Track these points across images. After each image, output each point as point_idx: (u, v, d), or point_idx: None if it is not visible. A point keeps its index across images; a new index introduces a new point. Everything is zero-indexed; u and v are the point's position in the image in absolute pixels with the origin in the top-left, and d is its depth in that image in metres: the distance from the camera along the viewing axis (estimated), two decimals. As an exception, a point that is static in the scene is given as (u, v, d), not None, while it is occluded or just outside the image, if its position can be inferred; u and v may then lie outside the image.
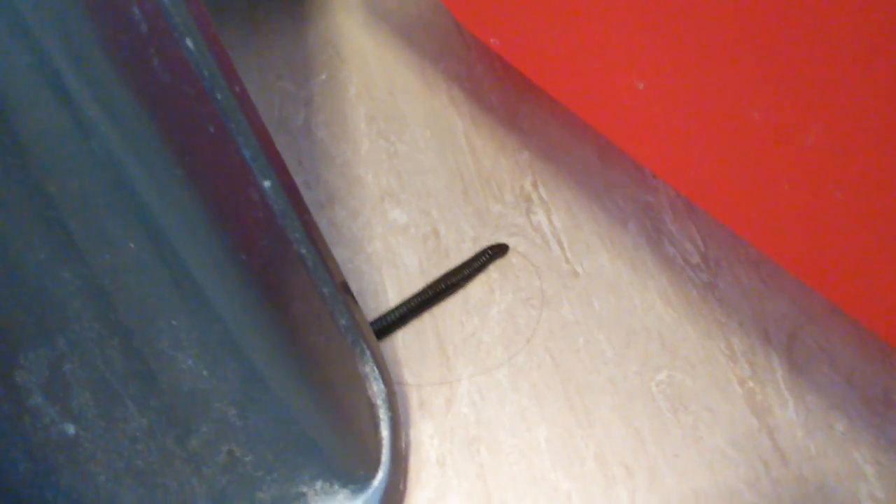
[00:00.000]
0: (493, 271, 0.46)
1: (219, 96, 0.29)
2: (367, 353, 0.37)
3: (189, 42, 0.28)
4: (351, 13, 0.66)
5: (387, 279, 0.47)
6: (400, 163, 0.53)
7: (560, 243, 0.46)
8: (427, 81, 0.59)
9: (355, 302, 0.38)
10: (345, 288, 0.37)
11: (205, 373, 0.32)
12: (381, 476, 0.36)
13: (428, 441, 0.39)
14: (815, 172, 0.32)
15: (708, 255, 0.44)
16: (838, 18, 0.27)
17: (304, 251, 0.34)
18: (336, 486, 0.35)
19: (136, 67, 0.26)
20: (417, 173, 0.52)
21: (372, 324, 0.43)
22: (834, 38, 0.28)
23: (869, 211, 0.32)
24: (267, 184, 0.32)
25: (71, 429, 0.29)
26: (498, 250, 0.46)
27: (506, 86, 0.57)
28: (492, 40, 0.52)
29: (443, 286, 0.44)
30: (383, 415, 0.38)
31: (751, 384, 0.39)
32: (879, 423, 0.36)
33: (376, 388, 0.38)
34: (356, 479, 0.36)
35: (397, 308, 0.44)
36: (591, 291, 0.44)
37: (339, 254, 0.48)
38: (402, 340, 0.44)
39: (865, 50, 0.27)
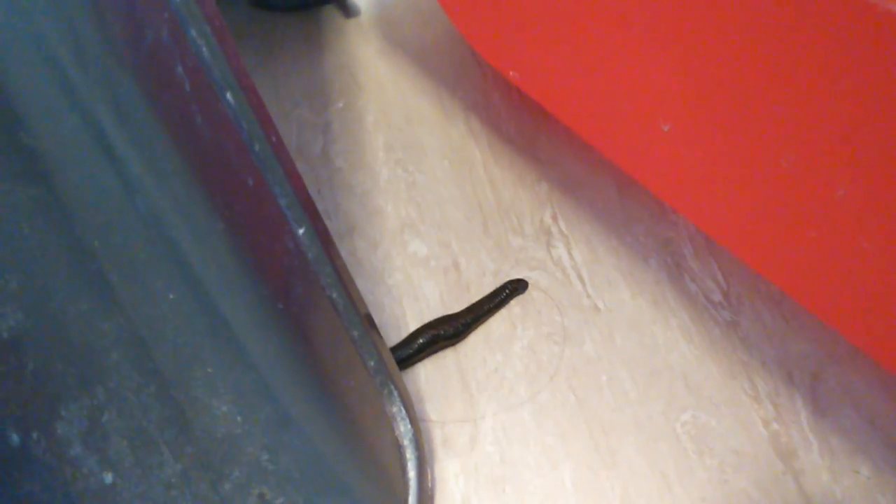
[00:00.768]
0: (515, 306, 0.46)
1: (257, 148, 0.29)
2: (395, 393, 0.37)
3: (229, 96, 0.28)
4: (367, 40, 0.66)
5: (408, 312, 0.47)
6: (419, 193, 0.54)
7: (581, 278, 0.47)
8: (444, 110, 0.59)
9: (382, 340, 0.38)
10: (371, 324, 0.37)
11: (238, 418, 0.32)
12: (408, 517, 0.36)
13: (453, 479, 0.39)
14: (844, 223, 0.33)
15: (730, 292, 0.44)
16: (870, 77, 0.28)
17: (335, 295, 0.34)
18: (365, 528, 0.35)
19: (180, 125, 0.27)
20: (437, 204, 0.53)
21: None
22: (866, 97, 0.28)
23: (894, 260, 0.32)
24: (301, 231, 0.32)
25: (109, 478, 0.29)
26: (517, 286, 0.46)
27: (523, 115, 0.57)
28: (511, 73, 0.52)
29: (463, 322, 0.45)
30: (410, 455, 0.38)
31: (775, 426, 0.39)
32: (904, 467, 0.37)
33: (403, 429, 0.38)
34: (384, 520, 0.36)
35: (414, 339, 0.44)
36: (613, 327, 0.44)
37: (360, 286, 0.48)
38: (425, 376, 0.44)
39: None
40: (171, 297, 0.28)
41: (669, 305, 0.44)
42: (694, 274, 0.46)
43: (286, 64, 0.65)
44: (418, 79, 0.62)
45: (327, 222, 0.53)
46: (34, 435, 0.27)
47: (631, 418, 0.40)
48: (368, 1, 0.71)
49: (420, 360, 0.44)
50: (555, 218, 0.50)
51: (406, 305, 0.47)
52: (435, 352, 0.44)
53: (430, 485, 0.39)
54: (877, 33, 0.26)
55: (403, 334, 0.45)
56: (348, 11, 0.69)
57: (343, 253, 0.50)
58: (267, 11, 0.71)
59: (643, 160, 0.45)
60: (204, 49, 0.28)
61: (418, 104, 0.60)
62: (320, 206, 0.53)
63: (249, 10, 0.71)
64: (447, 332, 0.44)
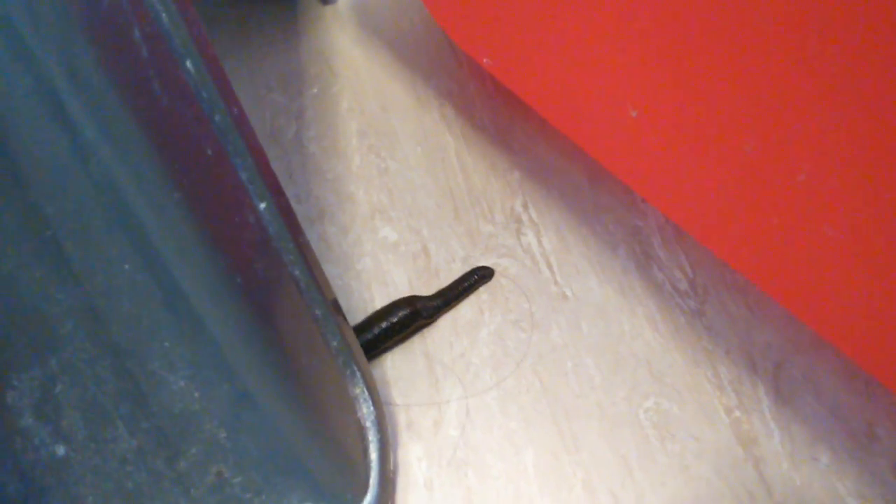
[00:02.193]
0: (483, 293, 0.46)
1: (217, 118, 0.29)
2: (358, 374, 0.37)
3: (189, 64, 0.28)
4: (343, 27, 0.66)
5: (376, 297, 0.47)
6: (391, 180, 0.53)
7: (549, 266, 0.47)
8: (419, 98, 0.59)
9: (346, 322, 0.38)
10: (336, 307, 0.37)
11: (196, 394, 0.32)
12: (368, 499, 0.36)
13: (416, 463, 0.39)
14: (805, 208, 0.33)
15: (696, 281, 0.44)
16: (834, 65, 0.28)
17: (297, 273, 0.34)
18: (324, 509, 0.35)
19: (137, 90, 0.26)
20: (408, 191, 0.52)
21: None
22: (826, 85, 0.28)
23: (856, 247, 0.33)
24: (262, 205, 0.32)
25: (61, 450, 0.29)
26: (484, 273, 0.46)
27: (497, 104, 0.57)
28: (484, 60, 0.52)
29: (434, 306, 0.44)
30: (372, 437, 0.38)
31: (737, 413, 0.39)
32: (863, 456, 0.37)
33: (366, 411, 0.38)
34: (344, 501, 0.36)
35: (382, 317, 0.44)
36: (579, 315, 0.44)
37: (329, 270, 0.48)
38: (391, 360, 0.44)
39: (862, 98, 0.27)
40: (127, 267, 0.28)
41: (636, 294, 0.45)
42: (661, 263, 0.46)
43: (262, 49, 0.65)
44: (393, 66, 0.62)
45: (298, 207, 0.52)
46: (-17, 404, 0.27)
47: (595, 404, 0.40)
48: (346, -12, 0.70)
49: (388, 347, 0.44)
50: (525, 206, 0.50)
51: (374, 290, 0.47)
52: (402, 340, 0.44)
53: (392, 467, 0.38)
54: (832, 17, 0.26)
55: (370, 318, 0.45)
56: (325, -2, 0.69)
57: (313, 238, 0.50)
58: (245, -3, 0.71)
59: (612, 147, 0.45)
60: (163, 15, 0.27)
61: (393, 91, 0.60)
62: (292, 191, 0.53)
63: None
64: (423, 310, 0.44)
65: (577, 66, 0.42)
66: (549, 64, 0.45)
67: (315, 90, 0.61)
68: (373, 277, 0.48)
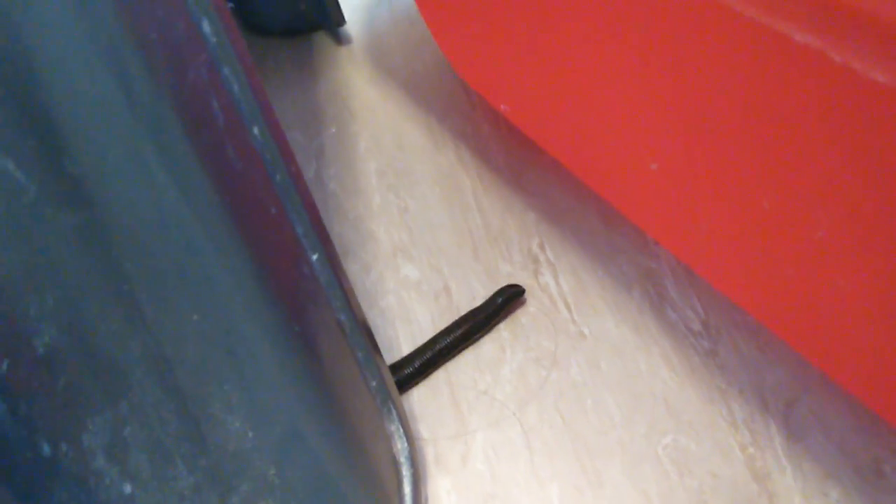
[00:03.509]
0: (504, 330, 0.48)
1: (278, 178, 0.31)
2: (394, 412, 0.39)
3: (255, 129, 0.30)
4: (358, 67, 0.68)
5: (401, 334, 0.49)
6: (411, 218, 0.55)
7: (567, 305, 0.49)
8: (434, 138, 0.61)
9: (383, 360, 0.40)
10: (374, 345, 0.39)
11: (250, 434, 0.33)
12: (405, 532, 0.38)
13: (445, 496, 0.41)
14: (822, 263, 0.35)
15: (709, 322, 0.47)
16: (849, 130, 0.30)
17: (343, 318, 0.36)
18: (363, 542, 0.37)
19: (215, 158, 0.28)
20: (428, 229, 0.54)
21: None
22: (849, 147, 0.30)
23: (868, 298, 0.35)
24: (315, 256, 0.34)
25: (128, 488, 0.31)
26: (514, 291, 0.48)
27: (511, 147, 0.59)
28: (502, 107, 0.54)
29: (460, 333, 0.46)
30: (406, 471, 0.40)
31: (751, 450, 0.41)
32: (871, 491, 0.39)
33: (400, 446, 0.40)
34: (382, 534, 0.37)
35: (414, 358, 0.46)
36: (598, 354, 0.46)
37: (354, 308, 0.50)
38: (417, 396, 0.45)
39: (876, 164, 0.30)
40: (195, 317, 0.30)
41: (651, 334, 0.47)
42: (674, 304, 0.48)
43: (280, 89, 0.67)
44: (409, 107, 0.64)
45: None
46: (63, 446, 0.28)
47: (615, 441, 0.42)
48: (359, 29, 0.73)
49: (417, 382, 0.46)
50: (542, 247, 0.52)
51: (399, 328, 0.49)
52: (431, 371, 0.46)
53: (424, 500, 0.40)
54: (857, 96, 0.28)
55: (396, 356, 0.47)
56: (339, 38, 0.71)
57: (337, 275, 0.52)
58: (260, 36, 0.73)
59: (630, 195, 0.47)
60: (235, 86, 0.29)
61: (409, 132, 0.62)
62: (315, 229, 0.55)
63: (243, 33, 0.73)
64: (447, 342, 0.46)
65: (599, 121, 0.44)
66: (569, 116, 0.47)
67: (333, 130, 0.63)
68: (396, 315, 0.50)
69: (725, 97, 0.35)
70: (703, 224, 0.42)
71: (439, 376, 0.46)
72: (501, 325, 0.48)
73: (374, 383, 0.38)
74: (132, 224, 0.27)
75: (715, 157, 0.37)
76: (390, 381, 0.39)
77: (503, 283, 0.50)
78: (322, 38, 0.72)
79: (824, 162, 0.32)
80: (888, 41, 0.26)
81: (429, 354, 0.46)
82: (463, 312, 0.49)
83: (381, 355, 0.39)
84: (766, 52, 0.31)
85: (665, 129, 0.40)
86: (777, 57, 0.30)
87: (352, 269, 0.53)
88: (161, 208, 0.27)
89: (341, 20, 0.69)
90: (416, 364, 0.45)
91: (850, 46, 0.27)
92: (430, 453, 0.43)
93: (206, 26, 0.29)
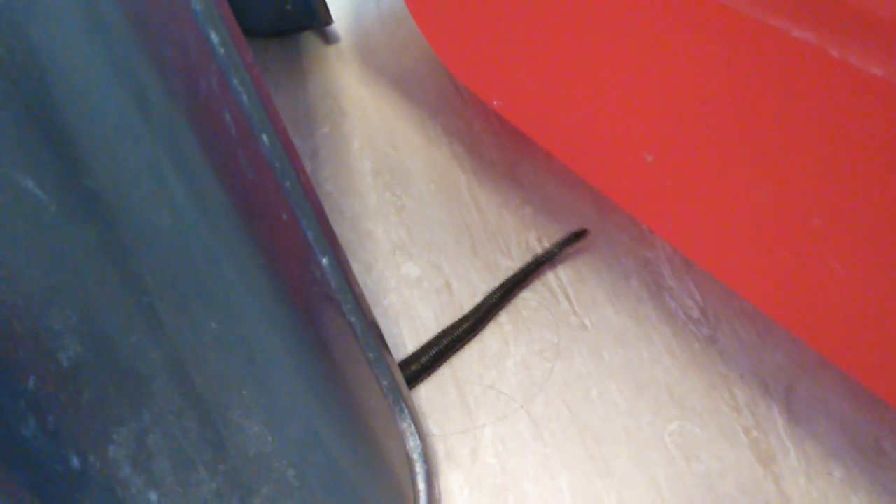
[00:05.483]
0: (507, 325, 0.49)
1: (287, 185, 0.32)
2: (406, 410, 0.40)
3: (265, 138, 0.30)
4: (348, 66, 0.69)
5: (405, 332, 0.49)
6: (408, 216, 0.56)
7: (568, 297, 0.50)
8: (427, 135, 0.62)
9: (393, 359, 0.41)
10: (384, 344, 0.40)
11: (269, 438, 0.34)
12: (421, 528, 0.39)
13: (458, 491, 0.42)
14: (818, 249, 0.36)
15: (707, 309, 0.48)
16: (847, 120, 0.31)
17: (353, 320, 0.36)
18: (381, 539, 0.38)
19: (229, 167, 0.29)
20: (426, 227, 0.55)
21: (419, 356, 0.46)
22: (844, 139, 0.31)
23: (863, 282, 0.36)
24: (325, 260, 0.34)
25: (154, 496, 0.31)
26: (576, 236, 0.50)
27: (504, 141, 0.60)
28: (495, 102, 0.55)
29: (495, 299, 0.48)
30: (419, 468, 0.40)
31: (755, 433, 0.42)
32: (873, 469, 0.40)
33: (413, 444, 0.40)
34: (399, 531, 0.38)
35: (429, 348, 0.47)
36: (600, 344, 0.47)
37: (358, 307, 0.50)
38: (425, 393, 0.46)
39: (873, 154, 0.30)
40: (213, 325, 0.30)
41: (651, 322, 0.48)
42: (673, 292, 0.49)
43: (271, 90, 0.67)
44: (401, 104, 0.65)
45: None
46: (90, 458, 0.29)
47: (622, 429, 0.43)
48: (347, 28, 0.73)
49: (434, 370, 0.47)
50: (539, 240, 0.53)
51: (402, 326, 0.50)
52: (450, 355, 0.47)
53: (438, 496, 0.41)
54: (853, 90, 0.29)
55: (402, 354, 0.48)
56: (328, 37, 0.71)
57: (339, 275, 0.53)
58: (247, 38, 0.73)
59: (625, 187, 0.48)
60: (244, 96, 0.30)
61: (402, 129, 0.62)
62: (314, 230, 0.55)
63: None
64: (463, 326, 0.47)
65: (593, 114, 0.45)
66: (564, 110, 0.48)
67: (326, 129, 0.63)
68: (399, 313, 0.50)
69: (721, 91, 0.36)
70: (698, 213, 0.42)
71: (444, 372, 0.47)
72: (504, 319, 0.49)
73: (385, 382, 0.39)
74: (151, 236, 0.28)
75: (711, 148, 0.38)
76: (401, 379, 0.40)
77: (503, 278, 0.50)
78: (310, 38, 0.72)
79: (819, 153, 0.33)
80: (885, 36, 0.27)
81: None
82: (465, 308, 0.49)
83: (391, 354, 0.40)
84: (764, 47, 0.31)
85: (660, 121, 0.40)
86: (774, 52, 0.31)
87: (353, 268, 0.53)
88: (178, 220, 0.28)
89: (328, 19, 0.69)
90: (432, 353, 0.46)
91: (847, 42, 0.28)
92: (440, 449, 0.44)
93: (215, 37, 0.29)
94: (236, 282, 0.30)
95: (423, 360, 0.46)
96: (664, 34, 0.37)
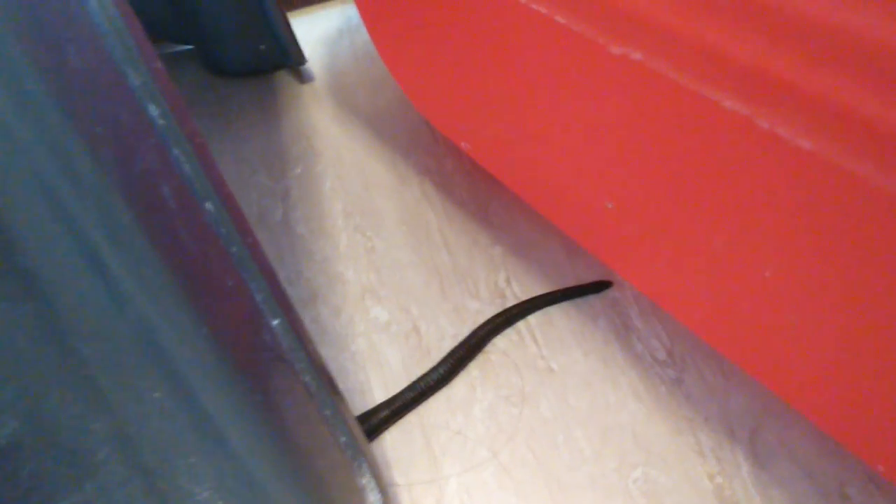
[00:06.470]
0: (474, 369, 0.49)
1: (234, 250, 0.32)
2: (364, 465, 0.39)
3: (209, 205, 0.30)
4: (322, 106, 0.69)
5: (372, 378, 0.49)
6: (378, 258, 0.56)
7: (535, 340, 0.49)
8: (399, 175, 0.62)
9: (351, 413, 0.40)
10: (342, 401, 0.39)
11: (220, 503, 0.34)
12: (382, 585, 0.38)
13: (421, 543, 0.42)
14: (772, 298, 0.36)
15: (674, 350, 0.47)
16: (784, 186, 0.31)
17: (307, 379, 0.36)
18: None
19: (167, 240, 0.29)
20: (396, 269, 0.55)
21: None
22: (782, 201, 0.31)
23: (820, 331, 0.36)
24: (275, 322, 0.34)
25: (99, 568, 0.31)
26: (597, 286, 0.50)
27: (475, 180, 0.60)
28: (463, 144, 0.55)
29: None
30: (380, 523, 0.40)
31: (719, 479, 0.42)
32: (837, 515, 0.40)
33: (373, 499, 0.40)
34: (359, 589, 0.38)
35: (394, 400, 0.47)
36: (566, 388, 0.47)
37: (324, 352, 0.50)
38: (391, 441, 0.46)
39: (824, 214, 0.30)
40: (156, 395, 0.30)
41: (619, 365, 0.47)
42: (640, 333, 0.49)
43: (243, 131, 0.67)
44: (373, 143, 0.65)
45: (290, 289, 0.55)
46: (31, 535, 0.29)
47: (587, 476, 0.43)
48: (320, 67, 0.73)
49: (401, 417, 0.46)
50: (508, 281, 0.53)
51: (370, 371, 0.49)
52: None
53: (400, 550, 0.41)
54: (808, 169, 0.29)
55: (368, 400, 0.48)
56: (302, 76, 0.72)
57: (307, 320, 0.53)
58: (221, 78, 0.73)
59: (590, 232, 0.48)
60: (186, 166, 0.30)
61: (374, 169, 0.62)
62: (283, 274, 0.55)
63: (205, 75, 0.73)
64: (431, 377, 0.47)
65: (555, 161, 0.45)
66: (527, 156, 0.48)
67: (299, 170, 0.63)
68: (367, 359, 0.50)
69: (666, 153, 0.36)
70: (656, 259, 0.42)
71: (411, 419, 0.47)
72: (472, 364, 0.49)
73: (343, 439, 0.38)
74: (86, 311, 0.28)
75: (664, 200, 0.38)
76: (360, 434, 0.40)
77: (471, 321, 0.50)
78: (284, 77, 0.72)
79: (762, 212, 0.33)
80: (815, 112, 0.27)
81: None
82: (432, 353, 0.49)
83: (349, 409, 0.40)
84: (700, 115, 0.31)
85: (615, 173, 0.40)
86: (709, 119, 0.31)
87: (322, 312, 0.53)
88: (114, 293, 0.28)
89: (302, 59, 0.70)
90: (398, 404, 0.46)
91: (776, 114, 0.28)
92: (405, 499, 0.43)
93: (154, 110, 0.29)
94: (178, 350, 0.30)
95: (391, 409, 0.46)
96: (616, 97, 0.37)
